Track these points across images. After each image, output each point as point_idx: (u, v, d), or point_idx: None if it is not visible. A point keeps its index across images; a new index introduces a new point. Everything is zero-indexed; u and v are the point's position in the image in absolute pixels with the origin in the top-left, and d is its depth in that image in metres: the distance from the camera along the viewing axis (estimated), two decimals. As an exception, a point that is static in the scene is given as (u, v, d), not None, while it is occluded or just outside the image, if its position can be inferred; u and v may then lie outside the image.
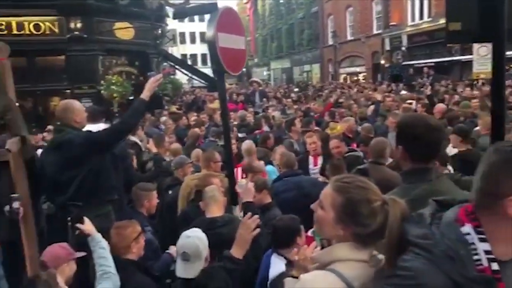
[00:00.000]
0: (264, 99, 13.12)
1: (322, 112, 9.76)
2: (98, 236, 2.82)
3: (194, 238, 2.76)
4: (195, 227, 3.23)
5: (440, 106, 8.12)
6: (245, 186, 3.34)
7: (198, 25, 53.72)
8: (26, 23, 11.48)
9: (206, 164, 4.67)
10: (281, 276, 2.55)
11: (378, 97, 10.27)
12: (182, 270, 2.67)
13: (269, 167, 5.22)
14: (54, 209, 3.64)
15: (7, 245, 3.36)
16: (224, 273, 2.63)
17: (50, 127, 9.13)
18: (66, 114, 3.61)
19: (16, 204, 3.07)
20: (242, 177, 4.62)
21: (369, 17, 27.73)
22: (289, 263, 2.82)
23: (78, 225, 2.83)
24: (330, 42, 32.19)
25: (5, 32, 11.26)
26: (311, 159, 5.73)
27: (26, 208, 3.27)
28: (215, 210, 3.40)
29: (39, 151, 4.24)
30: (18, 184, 3.24)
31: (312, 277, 1.51)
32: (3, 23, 11.28)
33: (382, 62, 25.57)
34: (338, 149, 5.37)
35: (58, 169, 3.48)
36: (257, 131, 7.95)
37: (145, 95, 3.67)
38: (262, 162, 5.22)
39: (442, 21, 16.96)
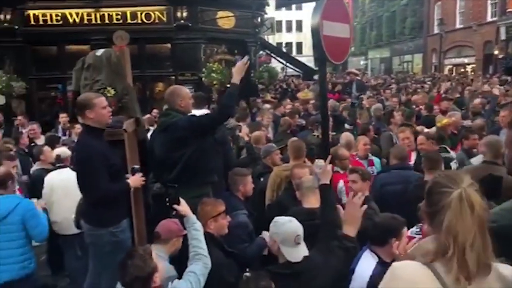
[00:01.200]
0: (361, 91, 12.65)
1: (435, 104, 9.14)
2: (193, 217, 2.90)
3: (295, 220, 2.80)
4: (293, 216, 3.26)
5: None
6: (323, 166, 3.17)
7: (295, 14, 53.54)
8: (139, 13, 12.35)
9: (298, 154, 4.66)
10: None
11: (496, 91, 9.29)
12: (298, 253, 2.67)
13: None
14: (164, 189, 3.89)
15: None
16: (341, 252, 2.61)
17: (155, 111, 9.80)
18: (172, 98, 3.82)
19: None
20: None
21: (483, 3, 25.27)
22: (381, 262, 2.72)
23: (174, 206, 2.95)
24: (436, 30, 30.05)
25: (121, 21, 12.24)
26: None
27: (136, 187, 3.55)
28: (313, 201, 3.39)
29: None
30: (131, 162, 3.54)
31: (401, 265, 1.51)
32: (120, 13, 12.29)
33: (496, 52, 23.26)
34: (422, 146, 5.10)
35: (165, 150, 3.69)
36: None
37: (236, 79, 3.78)
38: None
39: None
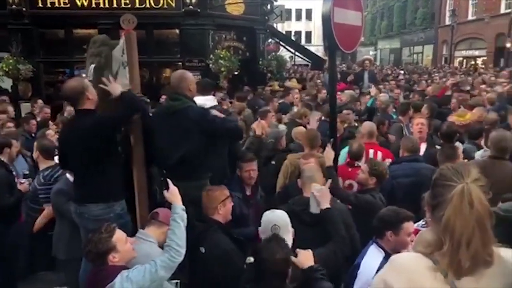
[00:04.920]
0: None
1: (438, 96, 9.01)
2: (178, 207, 2.82)
3: (280, 212, 2.84)
4: (292, 204, 3.24)
5: None
6: (322, 190, 3.16)
7: (305, 2, 52.98)
8: (147, -3, 12.24)
9: (313, 143, 4.57)
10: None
11: (499, 89, 9.06)
12: None
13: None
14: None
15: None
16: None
17: (163, 96, 9.74)
18: (181, 83, 3.65)
19: None
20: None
21: (498, -6, 24.84)
22: (387, 256, 2.66)
23: (164, 191, 2.91)
24: (447, 22, 29.64)
25: (129, 6, 12.08)
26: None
27: (140, 172, 3.52)
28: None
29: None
30: (135, 149, 3.50)
31: (400, 256, 1.55)
32: (128, -4, 12.17)
33: (508, 45, 22.86)
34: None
35: (167, 136, 3.56)
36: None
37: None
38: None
39: None
